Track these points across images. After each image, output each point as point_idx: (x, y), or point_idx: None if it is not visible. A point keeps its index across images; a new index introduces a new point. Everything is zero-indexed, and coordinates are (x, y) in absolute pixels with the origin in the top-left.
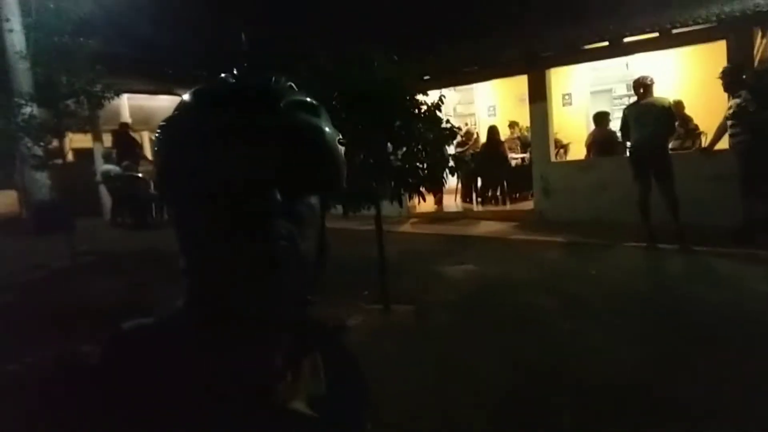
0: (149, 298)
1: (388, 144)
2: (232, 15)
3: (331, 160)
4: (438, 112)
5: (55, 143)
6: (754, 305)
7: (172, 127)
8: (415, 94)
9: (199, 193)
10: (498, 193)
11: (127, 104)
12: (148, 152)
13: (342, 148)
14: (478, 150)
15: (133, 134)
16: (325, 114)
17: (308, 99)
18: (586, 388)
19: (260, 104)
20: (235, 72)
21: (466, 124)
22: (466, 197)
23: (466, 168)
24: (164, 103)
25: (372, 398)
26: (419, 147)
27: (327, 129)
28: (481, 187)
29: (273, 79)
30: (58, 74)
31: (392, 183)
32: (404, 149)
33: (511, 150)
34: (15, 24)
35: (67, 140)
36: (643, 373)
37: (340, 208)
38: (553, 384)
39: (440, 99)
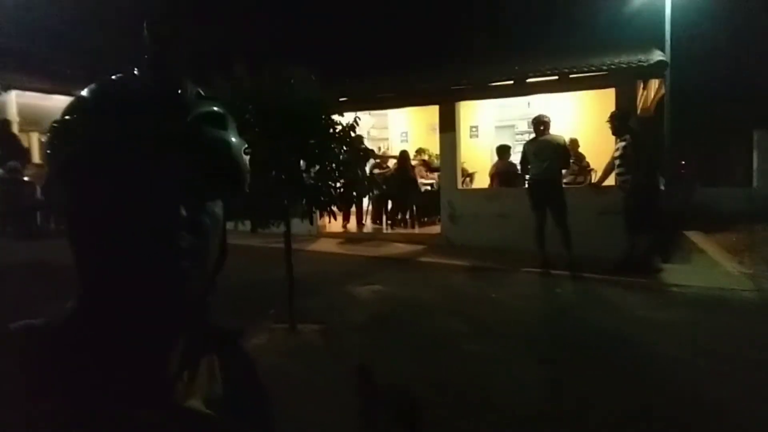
0: (28, 314)
1: (302, 161)
2: (148, 14)
3: (236, 169)
4: (353, 133)
5: None
6: (632, 327)
7: (68, 129)
8: (331, 114)
9: (96, 203)
10: (407, 216)
11: (15, 101)
12: (36, 155)
13: (247, 157)
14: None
15: (20, 134)
16: (232, 123)
17: (215, 108)
18: (487, 407)
19: (167, 114)
20: (135, 71)
21: (379, 148)
22: (376, 219)
23: (378, 189)
24: (59, 104)
25: (270, 402)
26: (333, 166)
27: (233, 140)
28: (390, 209)
29: (180, 83)
30: None
31: (304, 201)
32: (317, 167)
33: (418, 174)
34: None
35: None
36: (536, 391)
37: (248, 224)
38: (455, 402)
39: (355, 121)
